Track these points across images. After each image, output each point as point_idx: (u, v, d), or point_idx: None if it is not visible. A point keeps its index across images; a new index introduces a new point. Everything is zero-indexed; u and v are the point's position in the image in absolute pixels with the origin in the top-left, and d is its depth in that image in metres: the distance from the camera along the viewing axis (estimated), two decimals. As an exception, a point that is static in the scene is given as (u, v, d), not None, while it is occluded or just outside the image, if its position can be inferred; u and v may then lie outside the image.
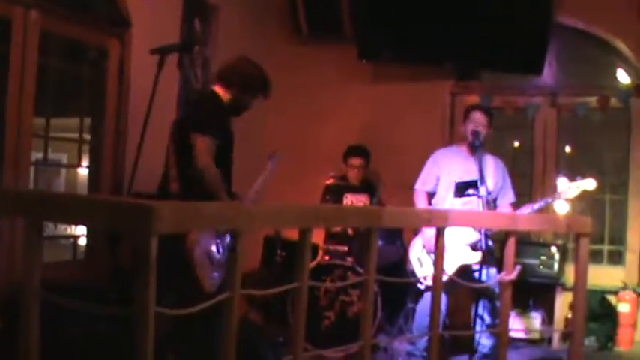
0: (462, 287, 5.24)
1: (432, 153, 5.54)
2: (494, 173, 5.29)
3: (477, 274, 4.93)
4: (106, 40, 5.02)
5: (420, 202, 5.41)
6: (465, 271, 5.08)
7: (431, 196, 5.44)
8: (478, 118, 5.26)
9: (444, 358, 5.28)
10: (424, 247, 5.28)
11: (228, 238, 3.99)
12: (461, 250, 5.10)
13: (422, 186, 5.45)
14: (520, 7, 6.41)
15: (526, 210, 5.12)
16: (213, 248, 3.91)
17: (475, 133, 5.16)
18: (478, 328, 5.05)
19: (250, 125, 6.93)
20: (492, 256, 5.09)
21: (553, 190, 6.18)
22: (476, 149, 5.13)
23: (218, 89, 4.20)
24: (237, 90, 4.20)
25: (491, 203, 5.26)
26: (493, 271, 5.03)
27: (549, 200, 5.17)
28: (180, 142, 4.00)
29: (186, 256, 3.76)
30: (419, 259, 5.32)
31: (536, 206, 5.11)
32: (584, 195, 5.14)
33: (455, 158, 5.36)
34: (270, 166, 4.53)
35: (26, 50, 4.33)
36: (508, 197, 5.41)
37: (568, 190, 5.04)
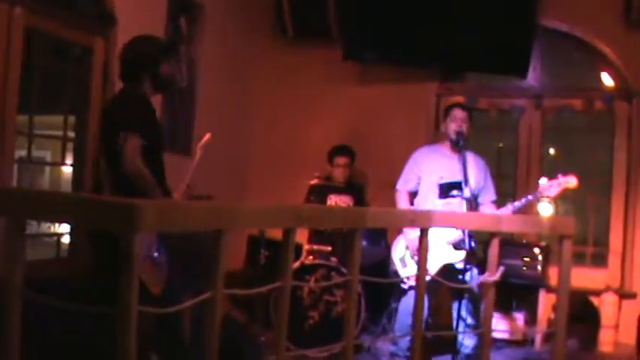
0: (445, 287, 5.26)
1: (413, 152, 5.55)
2: (475, 172, 5.29)
3: (459, 274, 4.95)
4: (91, 38, 4.99)
5: (402, 202, 5.40)
6: (447, 270, 5.09)
7: (413, 195, 5.44)
8: (459, 115, 5.26)
9: (426, 358, 5.30)
10: (407, 247, 5.28)
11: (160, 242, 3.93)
12: (443, 249, 5.12)
13: (403, 186, 5.44)
14: (505, 9, 6.44)
15: (507, 208, 5.14)
16: (154, 250, 3.85)
17: (458, 133, 5.18)
18: (460, 328, 5.06)
19: (236, 126, 6.95)
20: (475, 256, 5.11)
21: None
22: (460, 148, 5.14)
23: (133, 85, 4.04)
24: (150, 75, 4.04)
25: (473, 202, 5.27)
26: (475, 271, 5.05)
27: (530, 198, 5.18)
28: (107, 146, 3.92)
29: None
30: (401, 260, 5.33)
31: (518, 204, 5.13)
32: (566, 192, 5.16)
33: (436, 157, 5.35)
34: (199, 153, 4.35)
35: (10, 47, 4.30)
36: (489, 195, 5.41)
37: (550, 188, 5.06)
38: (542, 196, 5.11)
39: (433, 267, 5.04)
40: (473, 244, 5.13)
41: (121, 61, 4.05)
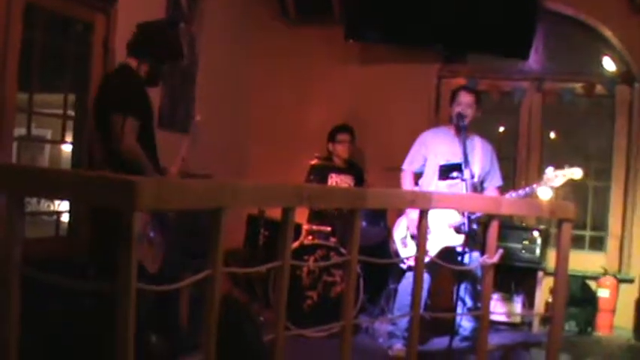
0: (445, 269, 5.27)
1: (420, 134, 5.52)
2: (481, 156, 5.29)
3: (460, 257, 4.95)
4: (92, 15, 4.96)
5: (407, 183, 5.39)
6: (448, 252, 5.09)
7: (418, 176, 5.44)
8: (464, 99, 5.26)
9: (424, 339, 5.32)
10: (408, 229, 5.28)
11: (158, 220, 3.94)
12: (444, 232, 5.12)
13: (409, 166, 5.43)
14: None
15: (510, 195, 5.13)
16: (149, 229, 3.85)
17: (459, 116, 5.17)
18: (459, 310, 5.08)
19: (237, 107, 6.93)
20: (476, 240, 5.11)
21: (537, 175, 6.20)
22: (461, 131, 5.13)
23: (131, 62, 4.07)
24: (152, 60, 4.08)
25: (478, 186, 5.27)
26: (476, 254, 5.05)
27: (534, 187, 5.18)
28: (101, 122, 3.92)
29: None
30: (402, 240, 5.33)
31: (521, 192, 5.12)
32: (570, 183, 5.15)
33: (443, 139, 5.34)
34: (191, 133, 4.43)
35: (9, 24, 4.27)
36: (495, 181, 5.41)
37: (555, 178, 5.04)
38: (547, 186, 5.09)
39: (434, 249, 5.05)
40: (475, 226, 5.14)
41: (135, 38, 4.07)
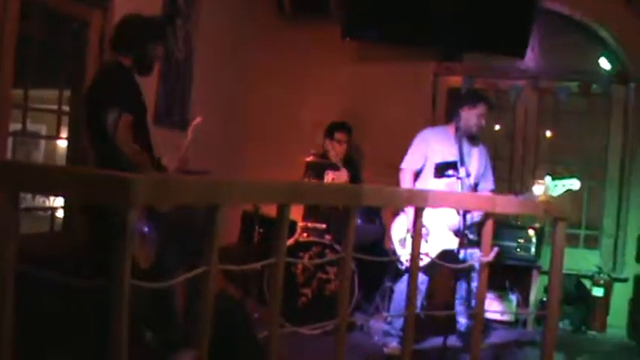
0: (444, 271, 5.27)
1: (418, 132, 5.47)
2: (477, 159, 5.29)
3: (459, 256, 4.94)
4: (88, 11, 4.95)
5: (406, 182, 5.33)
6: (447, 255, 5.08)
7: (417, 175, 5.40)
8: (484, 112, 5.27)
9: (419, 337, 5.32)
10: (409, 230, 5.25)
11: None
12: (444, 234, 5.11)
13: (409, 164, 5.35)
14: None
15: None
16: (142, 225, 3.83)
17: (478, 127, 5.24)
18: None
19: (233, 103, 6.92)
20: (472, 240, 5.13)
21: (532, 174, 6.21)
22: (472, 140, 5.19)
23: (119, 58, 4.05)
24: (135, 50, 4.05)
25: (473, 188, 5.26)
26: (476, 252, 5.04)
27: (533, 197, 5.18)
28: (91, 119, 3.88)
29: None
30: (401, 241, 5.29)
31: (520, 199, 5.13)
32: (560, 174, 5.18)
33: (443, 140, 5.29)
34: (190, 134, 4.41)
35: (5, 20, 4.25)
36: (488, 184, 5.41)
37: (554, 188, 5.08)
38: (545, 194, 5.12)
39: (433, 252, 5.04)
40: (471, 235, 5.13)
41: (114, 33, 4.06)
